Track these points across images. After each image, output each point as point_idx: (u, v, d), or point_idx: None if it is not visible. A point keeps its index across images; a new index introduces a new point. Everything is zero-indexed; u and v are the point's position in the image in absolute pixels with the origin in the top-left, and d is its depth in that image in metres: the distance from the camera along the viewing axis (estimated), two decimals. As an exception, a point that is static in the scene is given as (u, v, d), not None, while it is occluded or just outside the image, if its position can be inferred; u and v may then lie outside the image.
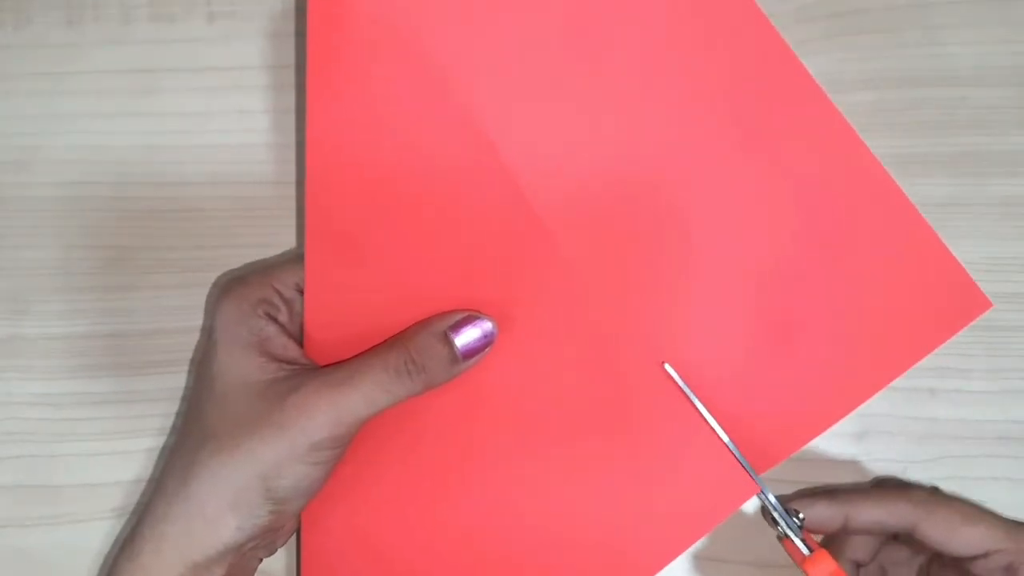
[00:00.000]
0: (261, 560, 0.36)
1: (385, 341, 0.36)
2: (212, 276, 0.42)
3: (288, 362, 0.36)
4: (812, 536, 0.36)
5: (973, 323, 0.42)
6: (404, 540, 0.38)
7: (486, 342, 0.36)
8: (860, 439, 0.41)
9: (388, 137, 0.37)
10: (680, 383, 0.37)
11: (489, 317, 0.36)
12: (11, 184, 0.42)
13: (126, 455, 0.41)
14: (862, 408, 0.38)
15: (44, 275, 0.42)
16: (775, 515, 0.36)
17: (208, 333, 0.36)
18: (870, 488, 0.37)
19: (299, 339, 0.37)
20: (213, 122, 0.42)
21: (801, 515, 0.36)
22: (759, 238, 0.38)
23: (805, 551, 0.35)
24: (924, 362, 0.42)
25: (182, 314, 0.42)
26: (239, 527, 0.34)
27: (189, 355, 0.42)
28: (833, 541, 0.38)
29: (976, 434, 0.42)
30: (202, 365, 0.36)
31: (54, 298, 0.42)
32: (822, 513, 0.36)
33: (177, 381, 0.42)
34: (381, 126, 0.36)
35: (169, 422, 0.42)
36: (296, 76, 0.42)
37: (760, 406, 0.37)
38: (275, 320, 0.37)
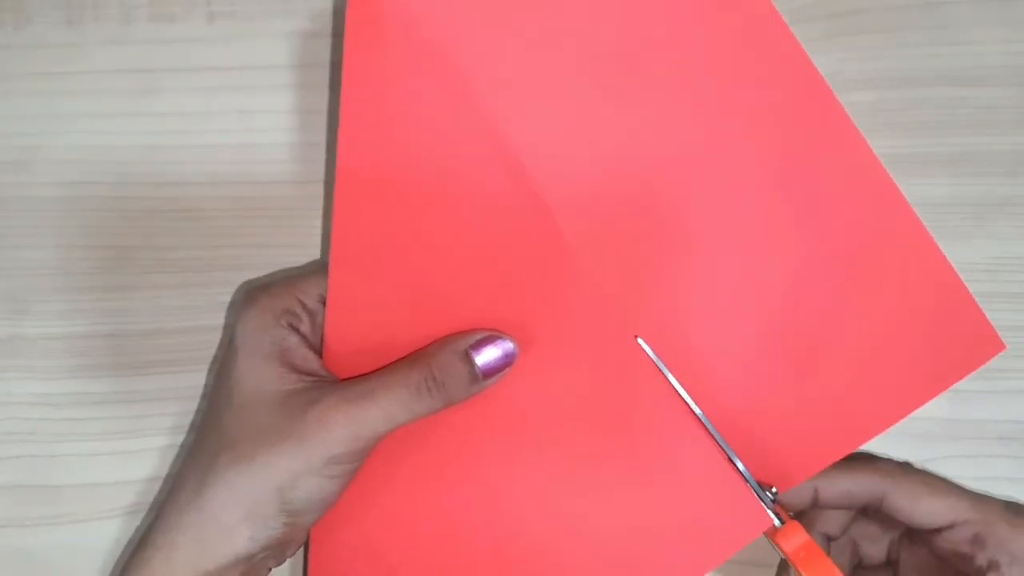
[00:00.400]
0: (270, 570, 0.36)
1: (406, 357, 0.36)
2: (212, 276, 0.42)
3: (308, 374, 0.35)
4: (784, 511, 0.37)
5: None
6: (411, 554, 0.37)
7: (506, 362, 0.36)
8: (860, 439, 0.41)
9: (416, 153, 0.36)
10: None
11: (510, 337, 0.36)
12: (11, 184, 0.42)
13: (126, 455, 0.41)
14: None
15: (44, 275, 0.42)
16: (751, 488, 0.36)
17: (229, 341, 0.36)
18: (839, 461, 0.37)
19: (320, 351, 0.37)
20: (213, 122, 0.42)
21: (774, 488, 0.36)
22: (779, 267, 0.37)
23: (777, 523, 0.36)
24: (924, 362, 0.42)
25: (182, 314, 0.42)
26: (252, 538, 0.33)
27: (189, 355, 0.42)
28: (804, 515, 0.38)
29: (976, 434, 0.42)
30: (221, 373, 0.36)
31: (54, 298, 0.42)
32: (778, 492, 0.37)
33: (177, 381, 0.42)
34: (410, 141, 0.36)
35: (168, 422, 0.42)
36: (296, 76, 0.42)
37: (765, 434, 0.37)
38: (297, 331, 0.36)
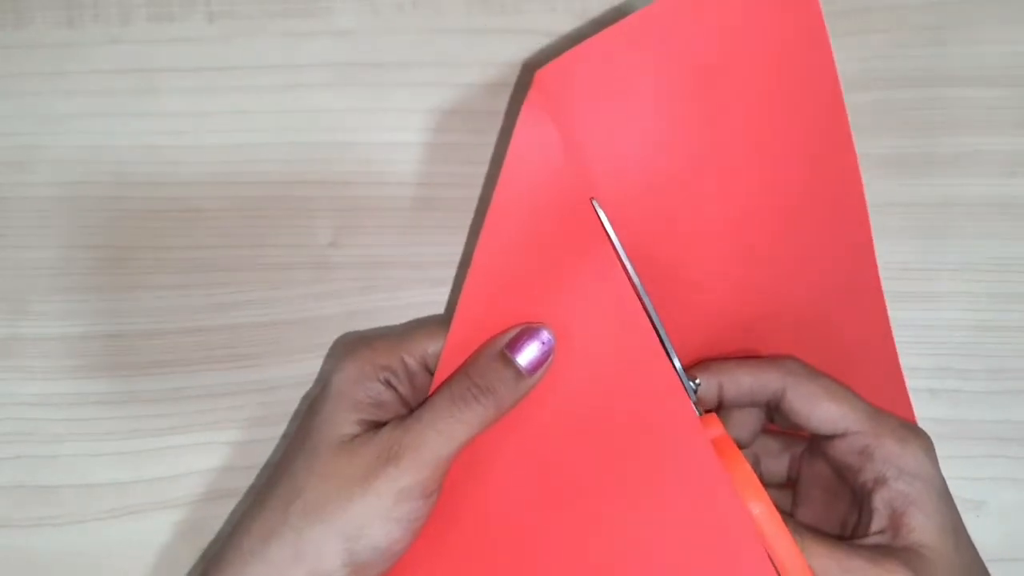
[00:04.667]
0: None
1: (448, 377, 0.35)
2: (212, 276, 0.42)
3: None
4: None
5: (973, 324, 0.42)
6: None
7: (546, 351, 0.35)
8: (860, 439, 0.41)
9: (544, 287, 0.35)
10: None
11: (544, 325, 0.35)
12: (11, 184, 0.42)
13: (126, 455, 0.41)
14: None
15: (44, 275, 0.42)
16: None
17: (321, 388, 0.36)
18: (746, 360, 0.37)
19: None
20: (213, 122, 0.42)
21: (698, 380, 0.36)
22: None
23: (696, 413, 0.35)
24: (924, 362, 0.42)
25: (182, 314, 0.42)
26: None
27: (189, 355, 0.42)
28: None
29: (976, 434, 0.42)
30: (305, 418, 0.36)
31: (54, 298, 0.42)
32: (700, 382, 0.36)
33: (177, 381, 0.42)
34: (541, 275, 0.35)
35: (168, 422, 0.42)
36: (296, 76, 0.42)
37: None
38: (394, 389, 0.36)
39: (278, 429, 0.42)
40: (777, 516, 0.33)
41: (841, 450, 0.35)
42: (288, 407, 0.42)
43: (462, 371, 0.35)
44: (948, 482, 0.41)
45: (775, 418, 0.37)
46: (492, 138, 0.42)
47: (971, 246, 0.42)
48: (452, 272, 0.42)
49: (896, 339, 0.41)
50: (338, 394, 0.35)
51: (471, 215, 0.42)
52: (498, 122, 0.42)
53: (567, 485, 0.35)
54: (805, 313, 0.38)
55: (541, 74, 0.32)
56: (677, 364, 0.35)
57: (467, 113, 0.42)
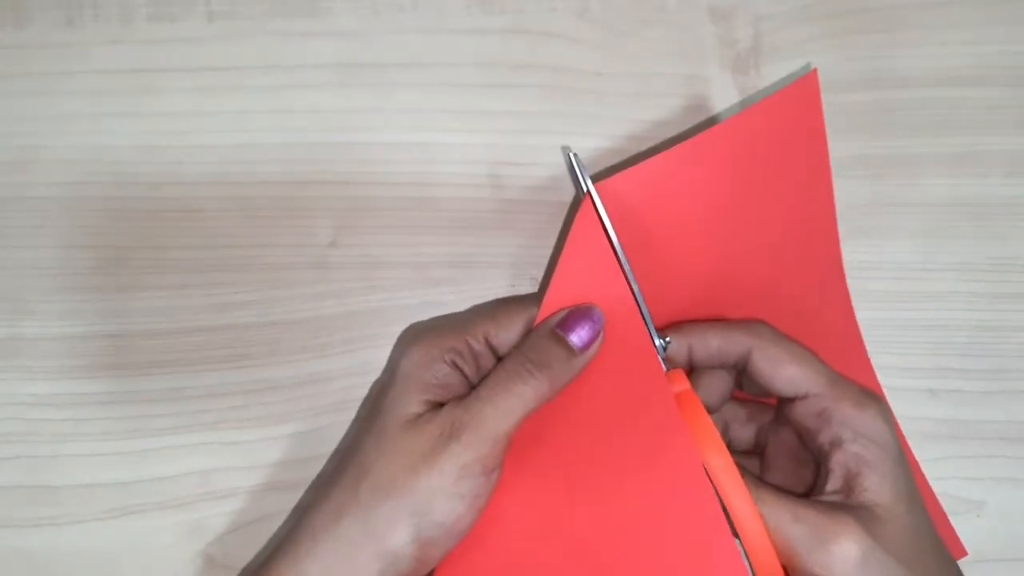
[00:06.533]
0: None
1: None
2: (212, 276, 0.42)
3: None
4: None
5: (973, 324, 0.42)
6: None
7: (596, 328, 0.36)
8: (860, 439, 0.41)
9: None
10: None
11: (594, 305, 0.36)
12: (11, 184, 0.42)
13: (126, 455, 0.41)
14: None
15: (44, 275, 0.42)
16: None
17: (389, 374, 0.37)
18: (714, 322, 0.38)
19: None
20: (213, 122, 0.42)
21: (668, 339, 0.37)
22: None
23: (664, 368, 0.37)
24: (924, 362, 0.42)
25: (182, 314, 0.42)
26: (381, 571, 0.33)
27: (189, 355, 0.42)
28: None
29: (976, 434, 0.42)
30: (374, 401, 0.37)
31: (54, 298, 0.42)
32: (670, 344, 0.38)
33: (177, 381, 0.42)
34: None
35: (168, 422, 0.42)
36: (295, 76, 0.42)
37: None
38: (460, 370, 0.36)
39: (278, 429, 0.42)
40: (733, 467, 0.34)
41: (802, 413, 0.36)
42: (288, 406, 0.42)
43: (517, 350, 0.36)
44: (948, 482, 0.41)
45: (744, 384, 0.39)
46: (492, 138, 0.42)
47: (971, 246, 0.42)
48: (452, 272, 0.42)
49: (896, 339, 0.41)
50: (405, 376, 0.36)
51: (471, 215, 0.42)
52: (498, 122, 0.42)
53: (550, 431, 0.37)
54: (770, 286, 0.40)
55: (599, 186, 0.37)
56: (648, 321, 0.37)
57: (467, 113, 0.42)
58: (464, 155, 0.42)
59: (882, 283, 0.42)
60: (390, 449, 0.35)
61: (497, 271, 0.42)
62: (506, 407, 0.34)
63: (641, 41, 0.43)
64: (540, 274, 0.42)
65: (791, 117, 0.39)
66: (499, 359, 0.37)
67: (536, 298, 0.38)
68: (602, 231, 0.37)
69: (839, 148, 0.42)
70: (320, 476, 0.42)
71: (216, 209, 0.42)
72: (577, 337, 0.36)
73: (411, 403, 0.35)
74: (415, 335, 0.37)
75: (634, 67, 0.43)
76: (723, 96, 0.42)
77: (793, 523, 0.33)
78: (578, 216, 0.37)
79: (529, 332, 0.37)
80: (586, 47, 0.43)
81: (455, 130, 0.42)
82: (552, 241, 0.42)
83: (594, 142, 0.42)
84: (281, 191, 0.42)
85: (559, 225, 0.42)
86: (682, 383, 0.36)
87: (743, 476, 0.34)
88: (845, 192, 0.42)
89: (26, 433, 0.41)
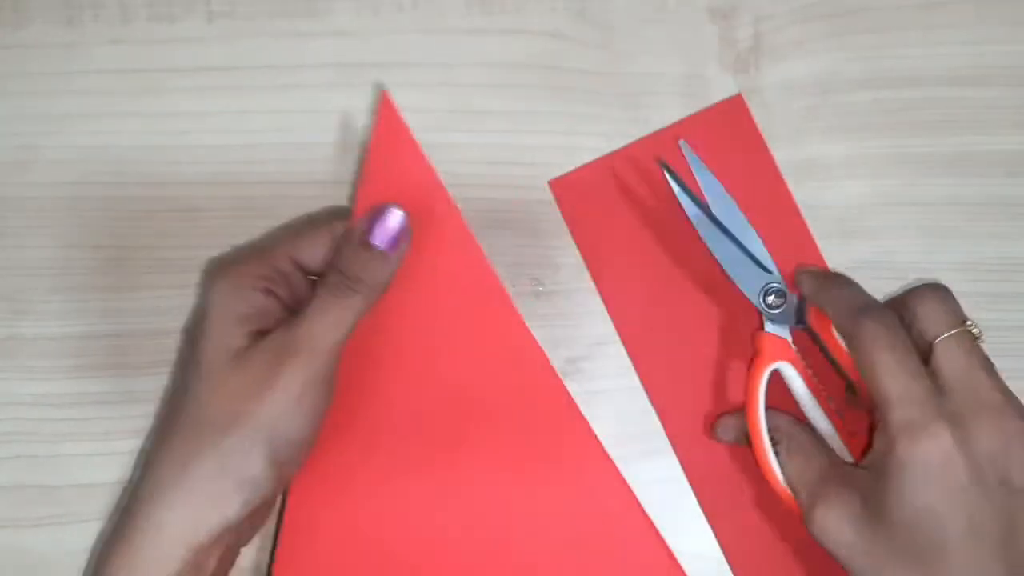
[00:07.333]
0: (250, 538, 0.38)
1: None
2: (212, 276, 0.42)
3: None
4: None
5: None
6: (379, 532, 0.39)
7: (402, 226, 0.37)
8: (860, 439, 0.41)
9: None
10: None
11: (391, 204, 0.37)
12: (11, 184, 0.42)
13: (126, 455, 0.41)
14: (862, 408, 0.38)
15: (44, 275, 0.42)
16: None
17: (198, 314, 0.37)
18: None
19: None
20: (213, 122, 0.42)
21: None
22: None
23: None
24: (924, 362, 0.42)
25: (182, 314, 0.42)
26: (245, 502, 0.34)
27: (189, 355, 0.42)
28: None
29: (976, 434, 0.42)
30: (188, 347, 0.37)
31: (54, 298, 0.42)
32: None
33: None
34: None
35: (169, 422, 0.42)
36: (295, 76, 0.42)
37: None
38: (274, 294, 0.37)
39: (278, 429, 0.42)
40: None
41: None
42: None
43: (332, 266, 0.37)
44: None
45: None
46: (491, 138, 0.42)
47: (972, 246, 0.42)
48: (452, 272, 0.42)
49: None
50: (221, 311, 0.36)
51: (470, 214, 0.42)
52: (497, 122, 0.42)
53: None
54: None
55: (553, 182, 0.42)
56: None
57: (467, 113, 0.42)
58: (464, 155, 0.42)
59: (882, 283, 0.42)
60: (224, 384, 0.35)
61: (496, 271, 0.42)
62: (334, 320, 0.35)
63: (641, 41, 0.43)
64: (540, 274, 0.42)
65: (724, 127, 0.42)
66: (309, 276, 0.38)
67: (338, 208, 0.41)
68: (405, 129, 0.39)
69: (839, 148, 0.42)
70: (152, 431, 0.41)
71: (216, 209, 0.42)
72: (381, 240, 0.37)
73: (233, 336, 0.36)
74: (220, 269, 0.37)
75: (634, 67, 0.43)
76: (723, 96, 0.42)
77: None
78: (377, 120, 0.40)
79: (339, 244, 0.37)
80: (586, 47, 0.43)
81: (454, 129, 0.42)
82: (552, 241, 0.42)
83: (594, 142, 0.42)
84: (281, 191, 0.42)
85: (559, 225, 0.42)
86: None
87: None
88: (845, 192, 0.42)
89: (26, 433, 0.41)
